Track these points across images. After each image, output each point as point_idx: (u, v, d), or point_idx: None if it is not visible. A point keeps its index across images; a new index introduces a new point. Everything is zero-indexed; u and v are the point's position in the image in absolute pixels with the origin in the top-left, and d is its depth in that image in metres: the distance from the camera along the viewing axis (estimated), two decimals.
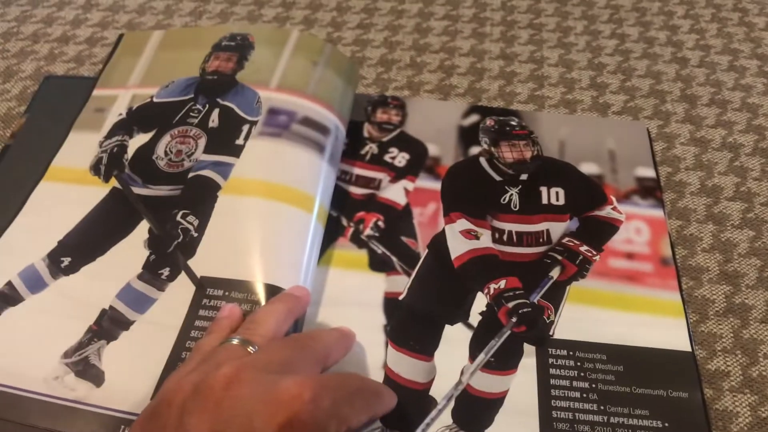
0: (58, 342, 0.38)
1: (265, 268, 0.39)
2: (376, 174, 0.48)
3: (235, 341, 0.32)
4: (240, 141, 0.45)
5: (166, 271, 0.40)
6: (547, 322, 0.40)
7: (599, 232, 0.45)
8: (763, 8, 0.65)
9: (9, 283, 0.40)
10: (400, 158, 0.49)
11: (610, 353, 0.39)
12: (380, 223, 0.46)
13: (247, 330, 0.33)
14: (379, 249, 0.44)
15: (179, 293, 0.39)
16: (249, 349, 0.31)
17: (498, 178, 0.47)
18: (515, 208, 0.45)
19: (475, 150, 0.49)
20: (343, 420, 0.28)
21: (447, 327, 0.40)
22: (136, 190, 0.44)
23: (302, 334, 0.37)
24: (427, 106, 0.54)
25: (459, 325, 0.40)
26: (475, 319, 0.40)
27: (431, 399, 0.37)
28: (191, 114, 0.47)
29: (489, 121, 0.51)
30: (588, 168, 0.49)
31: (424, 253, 0.44)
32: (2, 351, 0.37)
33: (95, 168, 0.45)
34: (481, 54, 0.60)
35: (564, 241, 0.44)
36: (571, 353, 0.39)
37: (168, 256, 0.40)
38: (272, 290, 0.38)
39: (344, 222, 0.46)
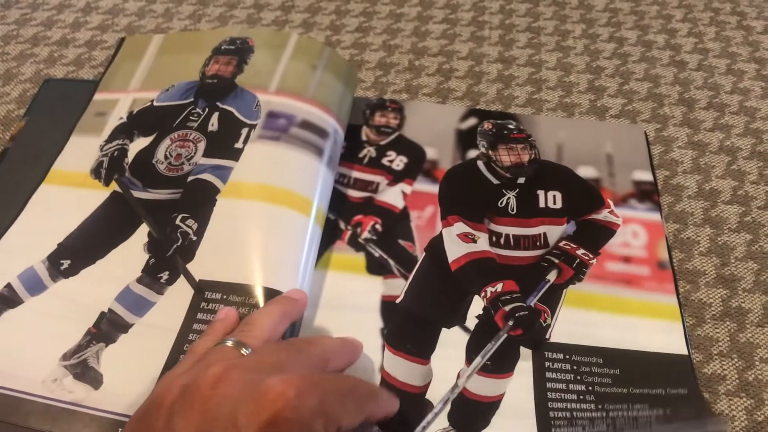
0: (57, 344, 0.38)
1: (263, 271, 0.39)
2: (374, 177, 0.49)
3: (229, 343, 0.32)
4: (239, 144, 0.45)
5: (165, 275, 0.40)
6: (544, 325, 0.40)
7: (596, 236, 0.45)
8: (761, 12, 0.65)
9: (8, 285, 0.40)
10: (398, 161, 0.49)
11: (606, 357, 0.39)
12: (378, 227, 0.46)
13: (242, 332, 0.33)
14: (377, 252, 0.44)
15: (178, 297, 0.39)
16: (242, 351, 0.31)
17: (495, 181, 0.47)
18: (512, 211, 0.45)
19: (472, 153, 0.49)
20: (331, 419, 0.27)
21: (444, 330, 0.40)
22: (136, 193, 0.44)
23: (300, 339, 0.37)
24: (425, 109, 0.54)
25: (456, 329, 0.40)
26: (471, 322, 0.41)
27: (428, 402, 0.37)
28: (191, 118, 0.47)
29: (487, 125, 0.51)
30: (585, 171, 0.49)
31: (421, 256, 0.44)
32: (1, 353, 0.38)
33: (96, 171, 0.46)
34: (479, 57, 0.60)
35: (561, 244, 0.44)
36: (567, 357, 0.39)
37: (167, 260, 0.41)
38: (270, 293, 0.38)
39: (342, 225, 0.46)
